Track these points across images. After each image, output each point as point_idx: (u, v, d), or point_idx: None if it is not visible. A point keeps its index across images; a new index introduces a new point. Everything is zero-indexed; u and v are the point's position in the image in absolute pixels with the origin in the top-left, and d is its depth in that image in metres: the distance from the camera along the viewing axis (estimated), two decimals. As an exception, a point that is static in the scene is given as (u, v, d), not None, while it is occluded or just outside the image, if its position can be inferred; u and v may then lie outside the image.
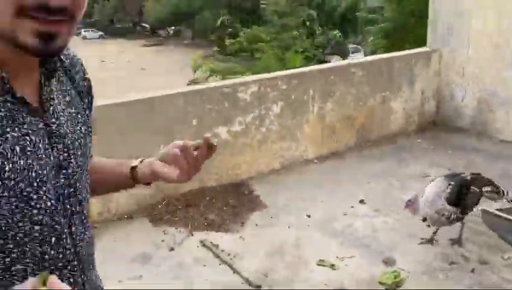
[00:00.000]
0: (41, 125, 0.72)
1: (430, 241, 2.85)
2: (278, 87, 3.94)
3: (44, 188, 0.71)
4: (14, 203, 0.67)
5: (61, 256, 0.75)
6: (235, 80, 4.08)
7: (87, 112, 0.86)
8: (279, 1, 16.22)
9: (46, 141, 0.73)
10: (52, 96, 0.75)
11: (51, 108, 0.75)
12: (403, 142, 4.68)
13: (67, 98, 0.80)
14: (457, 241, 2.83)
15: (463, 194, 2.71)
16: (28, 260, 0.70)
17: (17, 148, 0.68)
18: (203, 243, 3.02)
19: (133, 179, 0.95)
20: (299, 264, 2.77)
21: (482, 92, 4.63)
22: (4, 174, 0.65)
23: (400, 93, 4.76)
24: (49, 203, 0.71)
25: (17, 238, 0.68)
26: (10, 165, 0.66)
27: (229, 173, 3.81)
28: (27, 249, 0.69)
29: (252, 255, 2.86)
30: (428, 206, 2.67)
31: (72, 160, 0.77)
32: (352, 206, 3.38)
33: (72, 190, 0.77)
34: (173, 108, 3.48)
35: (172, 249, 2.97)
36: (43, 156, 0.72)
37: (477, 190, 2.77)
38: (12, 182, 0.66)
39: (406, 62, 4.76)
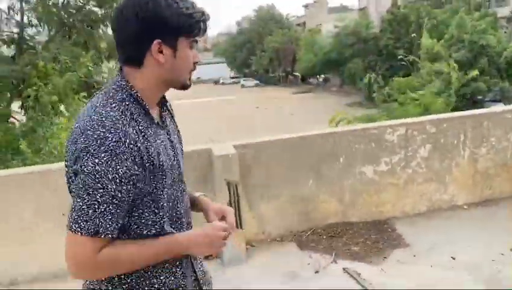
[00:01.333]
0: (166, 136, 1.28)
1: None
2: (426, 130, 4.05)
3: (170, 176, 1.25)
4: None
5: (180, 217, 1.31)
6: (382, 122, 4.32)
7: (179, 134, 1.44)
8: (434, 47, 15.76)
9: (169, 145, 1.28)
10: (166, 120, 1.32)
11: (167, 127, 1.31)
12: None
13: (171, 122, 1.36)
14: None
15: None
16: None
17: (160, 149, 1.22)
18: (345, 270, 3.27)
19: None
20: (440, 301, 2.82)
21: None
22: (160, 164, 1.20)
23: None
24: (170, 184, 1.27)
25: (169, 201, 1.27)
26: (160, 160, 1.20)
27: (372, 210, 4.01)
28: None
29: (393, 287, 3.00)
30: None
31: (180, 162, 1.33)
32: (502, 254, 3.26)
33: (183, 186, 1.34)
34: (323, 146, 3.88)
35: (317, 271, 3.29)
36: (170, 155, 1.26)
37: None
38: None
39: None
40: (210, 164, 3.53)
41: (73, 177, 1.14)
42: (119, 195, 1.11)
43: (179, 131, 1.42)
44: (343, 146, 3.92)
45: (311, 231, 3.88)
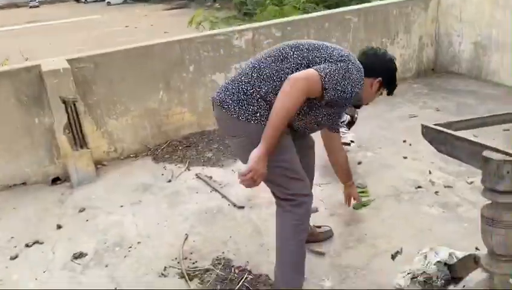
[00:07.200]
0: None
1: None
2: (272, 34, 4.12)
3: None
4: None
5: None
6: (229, 28, 4.28)
7: None
8: None
9: None
10: None
11: None
12: (398, 88, 4.79)
13: None
14: None
15: None
16: None
17: None
18: (197, 176, 3.35)
19: None
20: (280, 190, 3.06)
21: (478, 37, 4.67)
22: None
23: (397, 40, 4.85)
24: None
25: None
26: None
27: (226, 116, 4.09)
28: None
29: (239, 185, 3.16)
30: None
31: None
32: (337, 143, 3.61)
33: None
34: (171, 55, 3.74)
35: (170, 180, 3.32)
36: None
37: None
38: None
39: (403, 8, 4.81)
40: (42, 82, 3.18)
41: None
42: None
43: None
44: (192, 54, 3.82)
45: (167, 143, 3.86)
